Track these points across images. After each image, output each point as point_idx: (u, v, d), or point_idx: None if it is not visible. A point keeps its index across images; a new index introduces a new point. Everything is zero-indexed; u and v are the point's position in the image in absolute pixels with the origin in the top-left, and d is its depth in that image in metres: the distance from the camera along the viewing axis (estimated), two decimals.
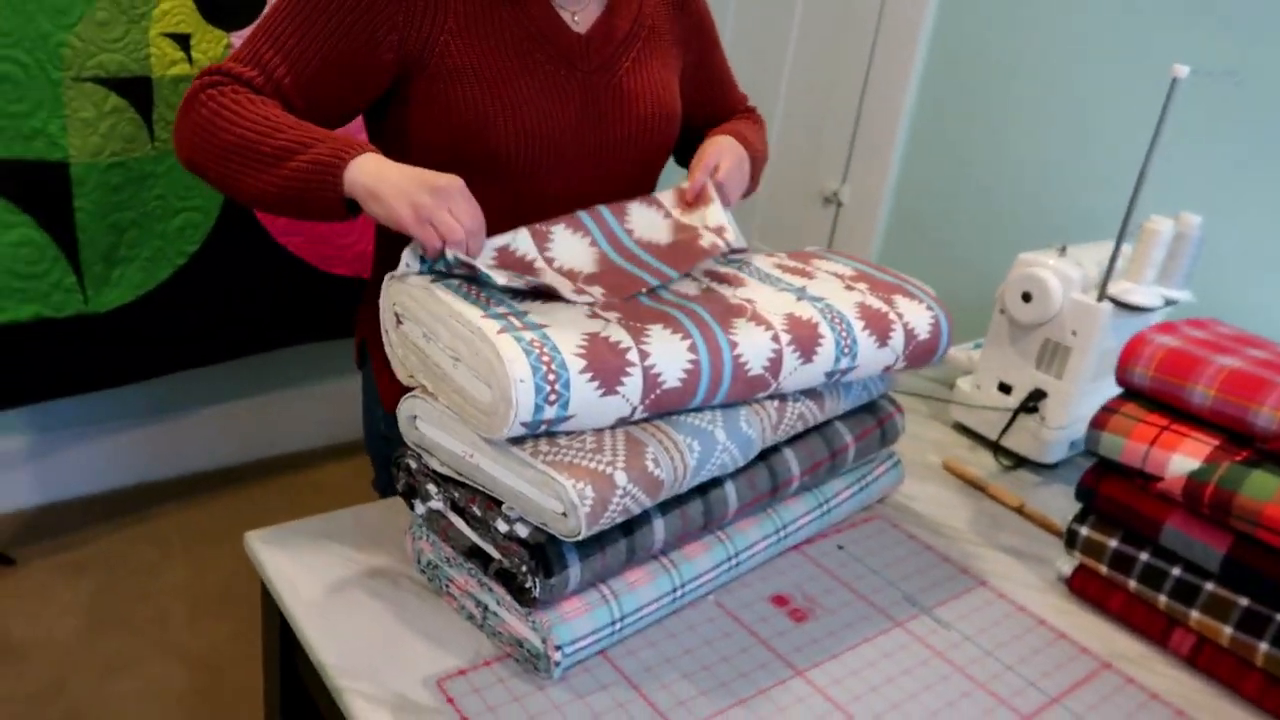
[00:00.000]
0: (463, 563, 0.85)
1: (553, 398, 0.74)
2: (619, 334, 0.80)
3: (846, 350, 0.94)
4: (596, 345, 0.78)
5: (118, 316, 1.84)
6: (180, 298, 1.91)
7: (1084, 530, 1.03)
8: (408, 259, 0.85)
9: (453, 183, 0.88)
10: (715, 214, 1.04)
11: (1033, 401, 1.29)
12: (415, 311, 0.82)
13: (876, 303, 0.99)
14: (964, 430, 1.41)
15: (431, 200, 0.85)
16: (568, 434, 0.79)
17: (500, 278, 0.83)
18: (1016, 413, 1.30)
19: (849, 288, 1.02)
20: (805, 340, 0.91)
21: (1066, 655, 0.96)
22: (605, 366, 0.77)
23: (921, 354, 1.02)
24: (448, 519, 0.86)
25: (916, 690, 0.88)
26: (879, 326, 0.97)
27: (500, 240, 0.92)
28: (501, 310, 0.79)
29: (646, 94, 1.13)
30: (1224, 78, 1.43)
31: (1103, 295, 1.22)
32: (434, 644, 0.85)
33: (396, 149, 1.06)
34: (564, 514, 0.74)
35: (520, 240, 0.93)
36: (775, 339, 0.88)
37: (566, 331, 0.78)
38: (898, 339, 0.98)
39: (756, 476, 0.95)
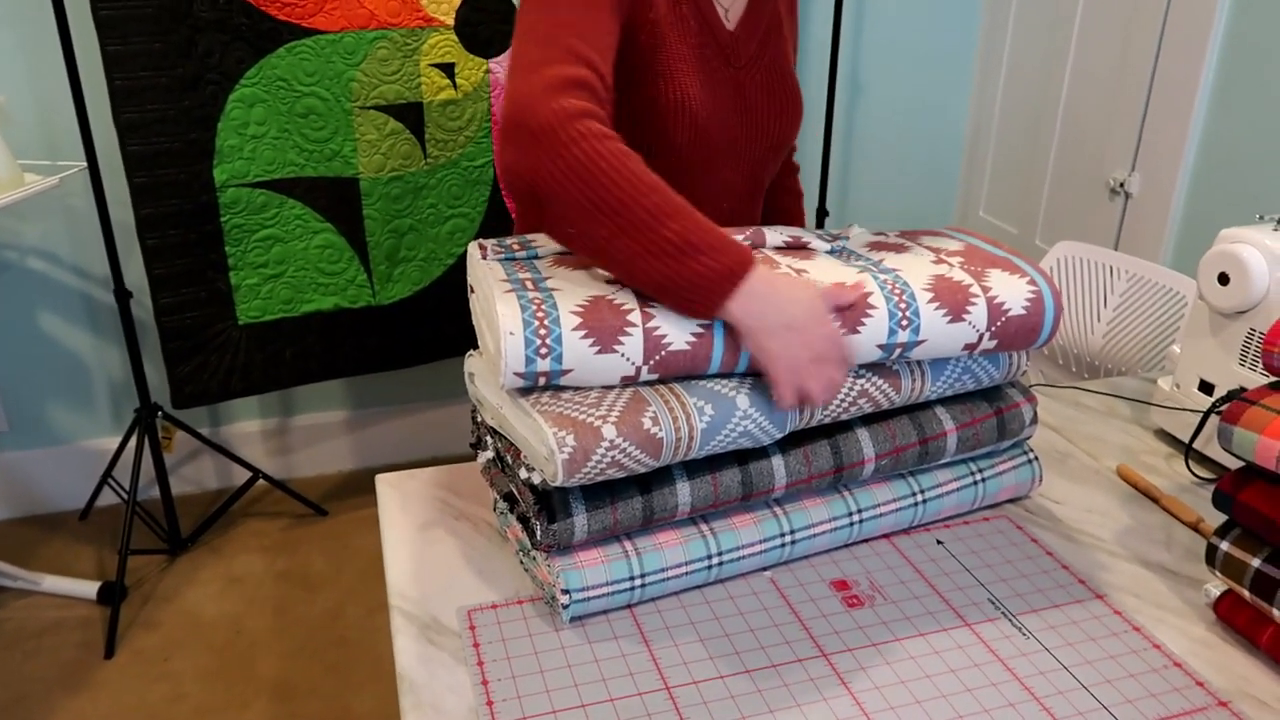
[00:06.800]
0: (506, 507, 0.93)
1: (544, 351, 0.79)
2: (625, 297, 0.83)
3: (905, 323, 0.88)
4: (597, 305, 0.82)
5: (399, 308, 2.16)
6: (451, 293, 2.20)
7: (1224, 546, 0.86)
8: (482, 243, 0.94)
9: (837, 352, 0.85)
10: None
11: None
12: (477, 281, 0.92)
13: (960, 275, 0.92)
14: (1166, 437, 1.22)
15: (811, 369, 0.84)
16: (575, 389, 0.84)
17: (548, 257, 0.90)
18: (1208, 415, 1.10)
19: (939, 261, 0.95)
20: (850, 310, 0.87)
21: (1171, 685, 0.82)
22: (601, 325, 0.81)
23: (1017, 332, 0.92)
24: (497, 466, 0.94)
25: (954, 691, 0.81)
26: (952, 299, 0.90)
27: (601, 290, 0.85)
28: (525, 276, 0.86)
29: (785, 83, 1.16)
30: None
31: None
32: (484, 580, 0.94)
33: None
34: (548, 460, 0.80)
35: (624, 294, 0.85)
36: None
37: (574, 293, 0.83)
38: (978, 314, 0.90)
39: (815, 453, 0.92)
